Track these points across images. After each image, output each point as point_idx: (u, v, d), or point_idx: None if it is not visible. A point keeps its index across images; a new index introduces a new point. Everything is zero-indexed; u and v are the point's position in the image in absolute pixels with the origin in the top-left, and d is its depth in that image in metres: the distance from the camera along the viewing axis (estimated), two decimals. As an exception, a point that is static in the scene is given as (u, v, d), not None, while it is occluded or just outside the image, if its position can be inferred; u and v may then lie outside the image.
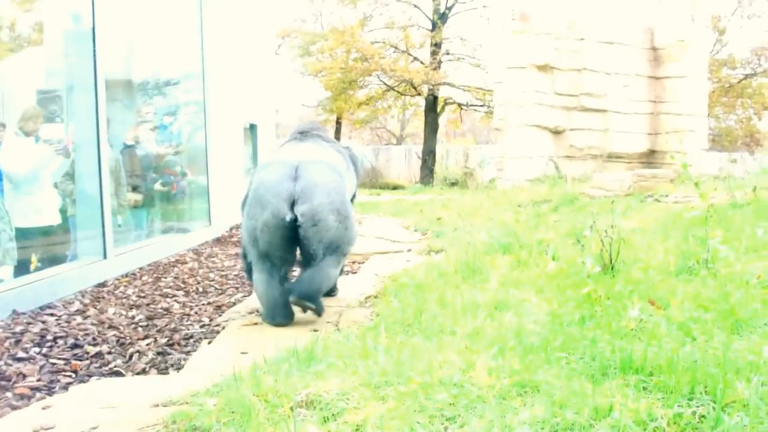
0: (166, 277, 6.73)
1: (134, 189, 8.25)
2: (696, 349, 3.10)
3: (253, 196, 4.67)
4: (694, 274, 4.84)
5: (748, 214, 7.07)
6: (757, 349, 3.07)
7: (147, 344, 4.43)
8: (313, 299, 4.62)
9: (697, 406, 2.55)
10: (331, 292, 5.34)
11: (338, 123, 31.88)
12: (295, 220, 4.48)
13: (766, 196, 7.63)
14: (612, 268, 5.03)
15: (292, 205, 4.49)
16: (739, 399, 2.55)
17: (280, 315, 4.70)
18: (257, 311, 5.16)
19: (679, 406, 2.55)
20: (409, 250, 8.00)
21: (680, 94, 17.65)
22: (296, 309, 4.80)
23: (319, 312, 4.72)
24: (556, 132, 17.29)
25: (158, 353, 4.26)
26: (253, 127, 12.63)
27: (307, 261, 4.72)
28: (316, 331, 4.28)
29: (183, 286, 6.38)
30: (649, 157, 18.08)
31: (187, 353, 4.29)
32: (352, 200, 5.36)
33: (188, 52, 9.55)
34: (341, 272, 5.57)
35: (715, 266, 4.84)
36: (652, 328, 3.49)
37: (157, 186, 8.78)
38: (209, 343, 4.44)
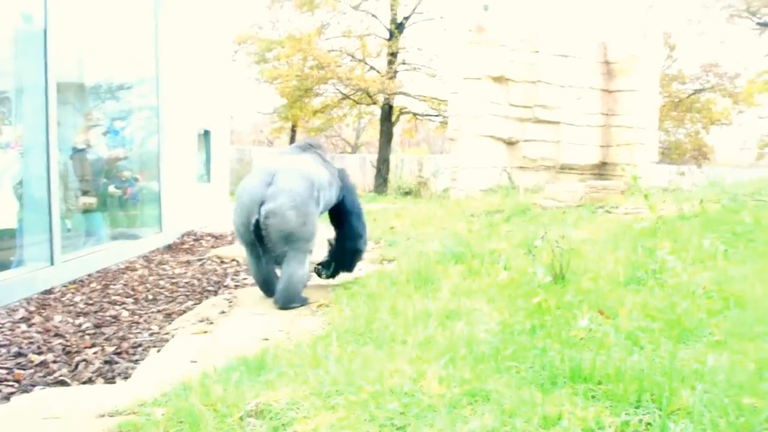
0: (115, 285, 6.63)
1: (84, 194, 8.12)
2: (643, 358, 3.15)
3: (236, 198, 5.56)
4: (642, 284, 4.92)
5: (695, 225, 7.21)
6: (702, 357, 3.13)
7: (94, 353, 4.36)
8: (293, 303, 5.42)
9: (644, 414, 2.59)
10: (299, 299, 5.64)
11: (293, 131, 31.76)
12: (258, 219, 5.26)
13: (712, 209, 7.79)
14: (563, 278, 5.09)
15: (261, 204, 5.26)
16: (684, 407, 2.59)
17: (265, 290, 5.79)
18: (207, 319, 5.11)
19: (626, 414, 2.59)
20: (361, 260, 7.99)
21: (632, 108, 17.94)
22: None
23: (304, 305, 5.49)
24: (510, 143, 17.43)
25: (105, 362, 4.19)
26: (207, 134, 12.52)
27: (274, 253, 5.43)
28: (267, 339, 4.26)
29: (132, 293, 6.28)
30: (601, 169, 18.33)
31: (136, 362, 4.22)
32: (346, 208, 6.24)
33: (143, 57, 9.44)
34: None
35: (662, 277, 4.93)
36: (601, 337, 3.54)
37: (111, 190, 8.65)
38: (158, 351, 4.37)
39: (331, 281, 6.48)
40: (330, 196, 5.99)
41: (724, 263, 5.53)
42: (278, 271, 5.66)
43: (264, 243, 5.39)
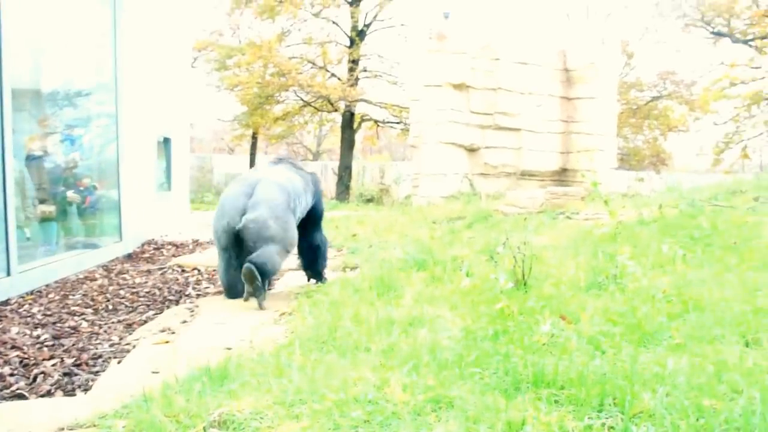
0: (74, 295, 6.52)
1: (42, 202, 7.98)
2: (605, 362, 3.17)
3: (219, 206, 6.06)
4: (603, 289, 4.97)
5: (654, 230, 7.31)
6: (662, 361, 3.17)
7: (53, 365, 4.27)
8: (261, 267, 5.51)
9: (607, 418, 2.62)
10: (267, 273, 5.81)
11: (254, 138, 31.57)
12: (240, 229, 5.72)
13: (671, 214, 7.91)
14: (525, 284, 5.12)
15: (242, 215, 5.75)
16: (646, 410, 2.62)
17: (231, 294, 6.05)
18: (169, 329, 5.06)
19: (589, 418, 2.61)
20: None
21: (591, 115, 18.18)
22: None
23: (266, 276, 5.69)
24: (471, 150, 17.54)
25: (64, 374, 4.11)
26: (167, 141, 12.40)
27: (256, 252, 5.69)
28: (229, 349, 4.21)
29: (92, 303, 6.18)
30: (561, 175, 18.53)
31: (96, 373, 4.14)
32: (318, 218, 6.86)
33: (101, 63, 9.32)
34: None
35: (623, 281, 4.98)
36: (563, 342, 3.56)
37: (71, 195, 8.51)
38: (119, 362, 4.30)
39: (293, 289, 6.47)
40: (307, 201, 6.53)
41: (683, 267, 5.61)
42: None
43: (242, 248, 5.78)
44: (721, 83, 31.08)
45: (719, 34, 30.94)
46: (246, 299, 5.75)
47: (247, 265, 5.50)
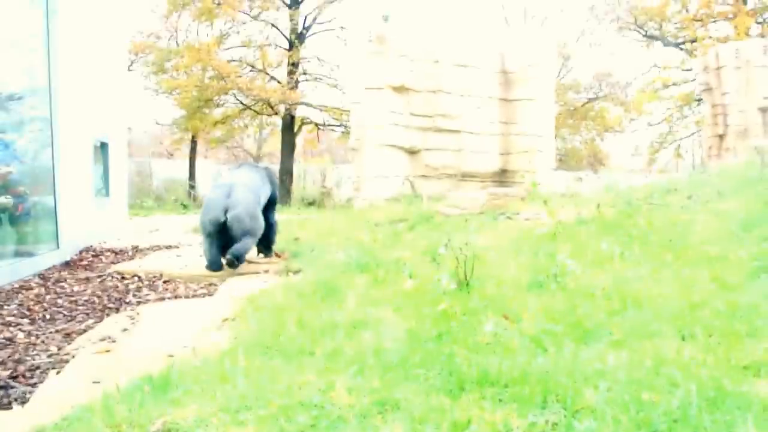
0: (8, 305, 6.34)
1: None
2: (548, 360, 3.22)
3: (205, 204, 8.05)
4: (544, 288, 5.04)
5: (593, 229, 7.44)
6: (603, 357, 3.23)
7: (-13, 376, 4.16)
8: (240, 257, 7.69)
9: (550, 415, 2.65)
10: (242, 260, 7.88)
11: (194, 142, 31.14)
12: (225, 221, 7.57)
13: (608, 213, 8.05)
14: (467, 285, 5.16)
15: (225, 211, 7.60)
16: (588, 405, 2.67)
17: (213, 266, 7.78)
18: (109, 338, 4.96)
19: (533, 415, 2.64)
20: (266, 271, 7.90)
21: (529, 116, 18.42)
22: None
23: (241, 262, 7.80)
24: (412, 152, 17.62)
25: (0, 387, 4.00)
26: (104, 146, 12.14)
27: (233, 242, 7.69)
28: (172, 356, 4.15)
29: (28, 313, 6.02)
30: (502, 176, 18.73)
31: (34, 385, 4.04)
32: (273, 203, 8.96)
33: (34, 67, 9.10)
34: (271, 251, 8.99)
35: (563, 280, 5.06)
36: (506, 341, 3.60)
37: (2, 201, 8.27)
38: (58, 373, 4.20)
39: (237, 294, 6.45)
40: (267, 192, 8.70)
41: (621, 265, 5.72)
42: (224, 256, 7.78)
43: (222, 235, 7.67)
44: (655, 85, 31.87)
45: (652, 38, 31.69)
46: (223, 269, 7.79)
47: (229, 257, 7.59)
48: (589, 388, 2.82)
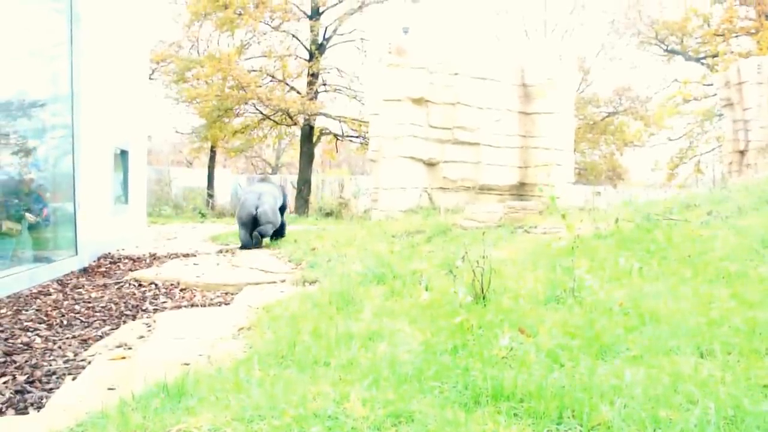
0: (27, 310, 6.39)
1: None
2: (563, 375, 3.19)
3: (241, 203, 12.04)
4: (561, 302, 5.01)
5: (611, 244, 7.39)
6: (620, 373, 3.20)
7: (4, 382, 4.18)
8: (264, 235, 11.72)
9: (566, 430, 2.63)
10: (265, 236, 11.91)
11: (213, 151, 31.29)
12: (256, 215, 11.42)
13: (627, 228, 8.01)
14: (483, 298, 5.14)
15: (256, 208, 11.43)
16: (604, 421, 2.64)
17: (247, 245, 11.52)
18: (125, 345, 4.98)
19: (548, 430, 2.62)
20: (282, 281, 7.92)
21: (549, 130, 18.38)
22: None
23: (264, 237, 11.81)
24: (430, 164, 17.62)
25: (16, 392, 4.02)
26: (124, 154, 12.24)
27: (262, 227, 11.63)
28: (187, 364, 4.16)
29: (46, 318, 6.07)
30: (520, 190, 18.68)
31: (50, 391, 4.06)
32: (284, 208, 12.83)
33: (58, 74, 9.18)
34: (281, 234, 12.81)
35: (581, 295, 5.03)
36: (522, 355, 3.57)
37: (29, 217, 8.32)
38: (74, 379, 4.23)
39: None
40: (281, 200, 12.58)
41: (639, 280, 5.68)
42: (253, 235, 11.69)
43: (254, 224, 11.51)
44: (675, 100, 31.77)
45: (673, 52, 31.60)
46: (252, 248, 11.52)
47: (256, 233, 11.53)
48: (605, 404, 2.80)
